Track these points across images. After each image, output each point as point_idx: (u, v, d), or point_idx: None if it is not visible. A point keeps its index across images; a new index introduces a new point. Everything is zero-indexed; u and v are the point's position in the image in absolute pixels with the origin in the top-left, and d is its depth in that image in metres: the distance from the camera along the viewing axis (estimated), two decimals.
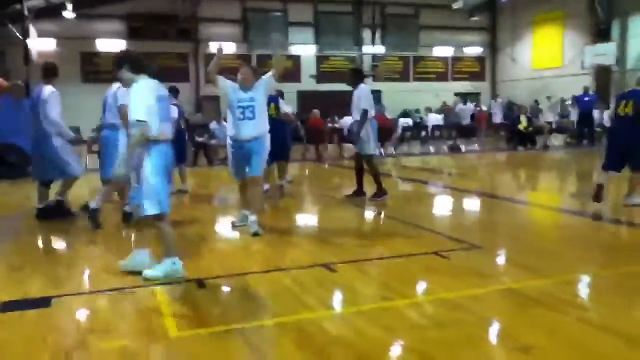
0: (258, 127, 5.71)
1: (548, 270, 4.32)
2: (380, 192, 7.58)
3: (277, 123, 7.55)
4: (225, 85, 5.86)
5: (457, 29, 27.48)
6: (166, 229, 4.19)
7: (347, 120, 16.07)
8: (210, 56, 25.01)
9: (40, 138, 6.45)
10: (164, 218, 4.18)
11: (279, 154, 7.65)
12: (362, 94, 7.43)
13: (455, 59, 28.51)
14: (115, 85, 6.17)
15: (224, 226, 6.52)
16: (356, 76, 7.81)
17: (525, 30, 26.63)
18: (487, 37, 29.00)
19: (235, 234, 6.04)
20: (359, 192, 7.79)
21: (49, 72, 6.58)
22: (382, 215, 7.03)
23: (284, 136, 8.16)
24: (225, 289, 4.11)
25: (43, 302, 3.69)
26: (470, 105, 18.43)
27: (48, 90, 6.41)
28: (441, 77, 28.11)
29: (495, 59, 28.90)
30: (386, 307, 3.61)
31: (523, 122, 16.45)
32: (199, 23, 25.03)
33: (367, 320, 3.36)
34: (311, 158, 14.50)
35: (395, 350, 3.08)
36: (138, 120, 3.99)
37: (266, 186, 8.03)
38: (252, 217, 5.69)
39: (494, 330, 3.31)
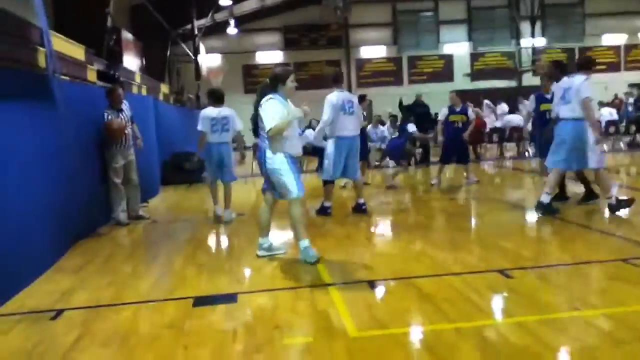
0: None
1: None
2: (591, 196, 7.12)
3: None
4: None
5: (630, 13, 24.98)
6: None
7: (510, 119, 15.30)
8: (361, 61, 25.55)
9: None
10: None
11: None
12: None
13: (629, 47, 25.91)
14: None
15: (386, 229, 6.52)
16: (556, 70, 7.27)
17: None
18: None
19: (402, 237, 6.03)
20: (590, 196, 7.18)
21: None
22: (556, 218, 6.54)
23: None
24: (397, 291, 4.08)
25: (230, 298, 3.97)
26: None
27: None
28: (612, 67, 25.72)
29: None
30: (574, 317, 3.34)
31: None
32: (349, 29, 25.55)
33: (554, 330, 3.13)
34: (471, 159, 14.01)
35: None
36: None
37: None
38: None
39: None
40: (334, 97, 7.08)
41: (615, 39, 25.89)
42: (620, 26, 25.64)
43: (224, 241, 6.42)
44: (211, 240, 6.49)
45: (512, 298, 3.78)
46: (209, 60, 22.82)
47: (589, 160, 6.34)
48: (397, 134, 13.98)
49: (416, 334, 3.27)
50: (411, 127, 10.72)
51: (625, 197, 6.52)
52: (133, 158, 7.56)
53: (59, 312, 3.86)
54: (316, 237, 5.84)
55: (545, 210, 6.46)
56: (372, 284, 4.12)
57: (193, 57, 20.24)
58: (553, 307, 3.55)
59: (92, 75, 9.80)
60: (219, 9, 20.80)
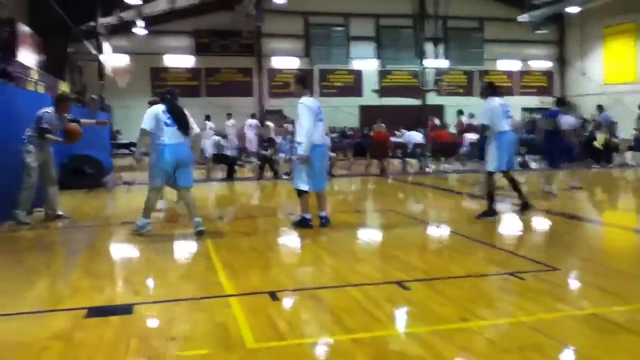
0: None
1: (630, 295, 4.12)
2: (489, 212, 7.38)
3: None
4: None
5: (523, 42, 26.90)
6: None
7: (411, 135, 15.92)
8: (273, 70, 25.59)
9: None
10: None
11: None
12: (483, 108, 7.38)
13: (522, 73, 27.86)
14: None
15: (291, 239, 6.56)
16: (486, 89, 7.67)
17: (595, 44, 25.74)
18: (555, 51, 28.24)
19: (305, 247, 6.08)
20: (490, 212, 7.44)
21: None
22: (452, 233, 6.89)
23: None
24: (298, 302, 4.12)
25: (125, 309, 3.82)
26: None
27: None
28: (507, 91, 27.50)
29: (564, 73, 28.05)
30: (463, 328, 3.51)
31: (600, 139, 15.79)
32: (262, 38, 25.52)
33: (444, 340, 3.28)
34: (374, 172, 14.44)
35: None
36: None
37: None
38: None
39: (576, 356, 3.16)
40: (310, 102, 6.61)
41: (510, 64, 27.74)
42: (515, 53, 27.54)
43: (123, 250, 6.16)
44: (110, 249, 6.22)
45: (407, 309, 3.93)
46: (114, 59, 21.92)
47: None
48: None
49: (314, 344, 3.31)
50: None
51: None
52: (52, 155, 7.44)
53: None
54: (220, 249, 5.79)
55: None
56: (273, 295, 4.12)
57: (97, 56, 19.38)
58: (445, 318, 3.71)
59: None
60: (127, 7, 20.06)
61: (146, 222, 6.43)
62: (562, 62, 28.12)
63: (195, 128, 6.53)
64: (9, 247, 6.06)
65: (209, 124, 18.49)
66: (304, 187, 6.70)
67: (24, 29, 13.13)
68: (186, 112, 6.46)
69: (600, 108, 17.99)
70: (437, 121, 17.70)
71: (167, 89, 6.72)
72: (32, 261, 5.39)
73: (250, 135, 18.76)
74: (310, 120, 6.48)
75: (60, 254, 5.90)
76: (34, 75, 12.82)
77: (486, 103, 7.34)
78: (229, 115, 20.08)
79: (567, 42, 27.95)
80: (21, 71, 11.78)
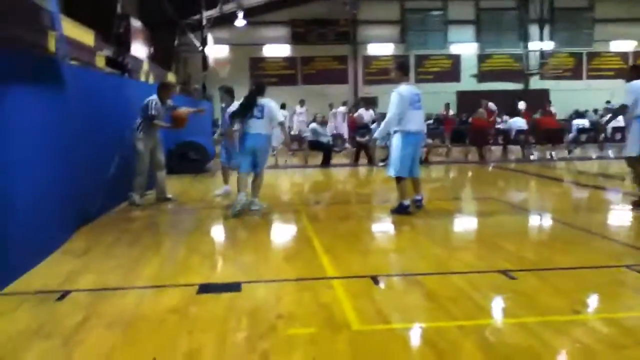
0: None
1: None
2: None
3: None
4: None
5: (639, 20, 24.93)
6: None
7: (515, 122, 15.31)
8: (368, 58, 25.48)
9: None
10: None
11: None
12: (624, 90, 7.10)
13: (638, 54, 25.82)
14: None
15: (389, 225, 6.55)
16: (630, 71, 7.35)
17: None
18: None
19: (404, 234, 6.05)
20: None
21: None
22: (558, 222, 6.56)
23: None
24: (400, 287, 4.12)
25: (235, 287, 4.00)
26: None
27: None
28: (621, 74, 25.69)
29: None
30: (574, 320, 3.36)
31: None
32: (357, 25, 25.48)
33: (554, 332, 3.15)
34: (474, 160, 14.04)
35: None
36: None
37: None
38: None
39: None
40: (403, 90, 6.68)
41: (623, 45, 25.82)
42: (629, 32, 25.57)
43: (229, 231, 6.44)
44: (216, 230, 6.53)
45: (514, 299, 3.81)
46: (216, 51, 22.77)
47: None
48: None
49: (419, 329, 3.30)
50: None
51: None
52: (160, 141, 7.94)
53: (65, 294, 3.90)
54: (319, 232, 5.89)
55: None
56: (375, 279, 4.14)
57: (200, 48, 20.22)
58: (555, 309, 3.57)
59: (100, 62, 9.82)
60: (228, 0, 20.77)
61: (242, 194, 6.94)
62: None
63: (279, 117, 7.06)
64: (126, 225, 6.51)
65: (283, 111, 18.78)
66: (400, 173, 6.75)
67: (136, 23, 13.94)
68: (269, 103, 7.01)
69: None
70: (492, 105, 16.66)
71: (255, 81, 7.40)
72: (146, 240, 5.76)
73: (340, 122, 18.87)
74: (397, 109, 6.62)
75: (170, 234, 6.26)
76: (145, 67, 13.62)
77: (628, 84, 7.05)
78: (302, 102, 20.13)
79: None
80: (134, 63, 12.55)
